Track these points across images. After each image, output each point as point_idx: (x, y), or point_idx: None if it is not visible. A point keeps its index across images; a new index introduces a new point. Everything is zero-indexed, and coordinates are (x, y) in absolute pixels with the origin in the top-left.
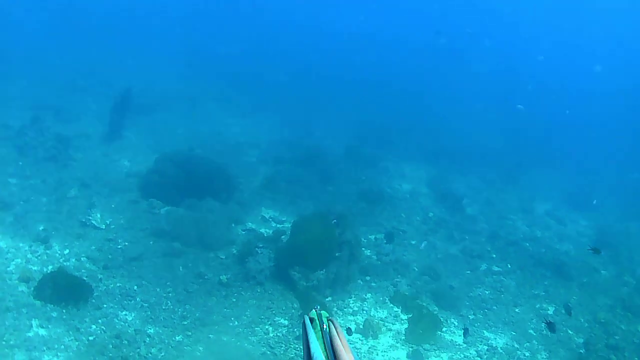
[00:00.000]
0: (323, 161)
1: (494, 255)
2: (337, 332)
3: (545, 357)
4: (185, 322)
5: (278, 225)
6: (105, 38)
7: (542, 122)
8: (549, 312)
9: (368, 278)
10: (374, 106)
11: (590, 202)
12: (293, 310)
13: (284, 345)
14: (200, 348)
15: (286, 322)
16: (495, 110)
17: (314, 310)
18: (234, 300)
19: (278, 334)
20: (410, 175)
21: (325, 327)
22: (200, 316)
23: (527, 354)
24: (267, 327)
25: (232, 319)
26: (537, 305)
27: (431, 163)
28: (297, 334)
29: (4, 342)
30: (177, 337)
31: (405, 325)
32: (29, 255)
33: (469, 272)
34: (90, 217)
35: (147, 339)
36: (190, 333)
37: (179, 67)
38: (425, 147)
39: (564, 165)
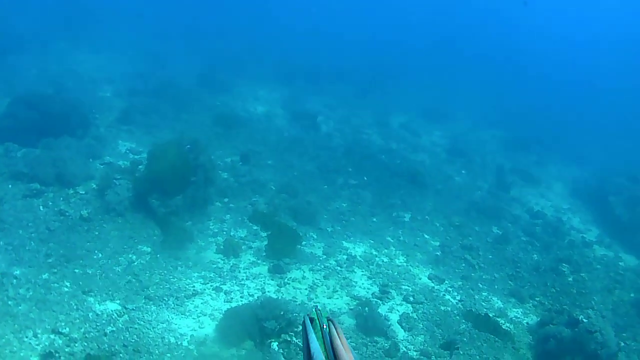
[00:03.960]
0: (177, 90)
1: (350, 169)
2: (337, 332)
3: (403, 261)
4: (50, 260)
5: (135, 157)
6: None
7: (397, 38)
8: (405, 219)
9: (226, 200)
10: (227, 33)
11: (446, 114)
12: (155, 237)
13: (148, 272)
14: (67, 283)
15: (149, 249)
16: (350, 26)
17: (314, 310)
18: (97, 233)
19: (142, 262)
20: (265, 98)
21: (325, 327)
22: (65, 253)
23: (385, 259)
24: (130, 255)
25: (96, 251)
26: (394, 214)
27: (285, 84)
28: (161, 260)
29: None
30: (43, 276)
31: (265, 242)
32: None
33: (326, 186)
34: None
35: (14, 280)
36: (55, 270)
37: (28, 8)
38: (279, 69)
39: (419, 79)
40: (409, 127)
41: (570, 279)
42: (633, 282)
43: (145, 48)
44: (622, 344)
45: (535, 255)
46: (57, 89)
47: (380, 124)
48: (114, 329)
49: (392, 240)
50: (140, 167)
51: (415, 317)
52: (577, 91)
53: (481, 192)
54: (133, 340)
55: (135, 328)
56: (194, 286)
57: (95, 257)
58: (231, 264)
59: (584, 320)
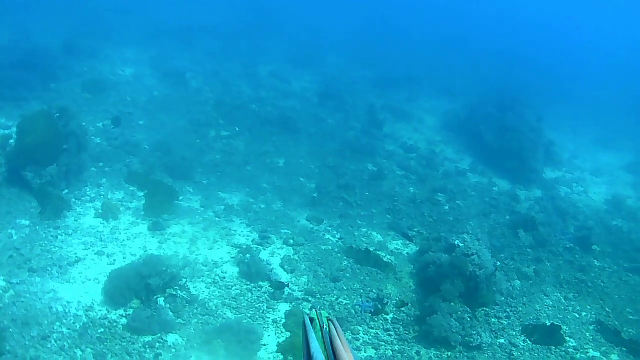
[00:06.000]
0: (43, 60)
1: (222, 121)
2: (337, 332)
3: (280, 206)
4: None
5: (5, 132)
6: None
7: None
8: (279, 165)
9: (101, 164)
10: None
11: (315, 59)
12: (32, 210)
13: (29, 245)
14: None
15: (28, 222)
16: None
17: (314, 310)
18: None
19: (22, 235)
20: (133, 60)
21: (325, 327)
22: None
23: (262, 206)
24: (10, 230)
25: None
26: (268, 161)
27: (153, 45)
28: (41, 231)
29: None
30: None
31: (143, 202)
32: None
33: (199, 141)
34: None
35: None
36: None
37: None
38: (146, 29)
39: (286, 28)
40: (278, 75)
41: (447, 207)
42: (507, 205)
43: (6, 19)
44: (499, 263)
45: (411, 188)
46: None
47: (250, 75)
48: (1, 305)
49: (268, 187)
50: (11, 141)
51: (297, 258)
52: (444, 26)
53: (354, 131)
54: (21, 314)
55: (22, 302)
56: (76, 253)
57: None
58: (111, 227)
59: (460, 244)
